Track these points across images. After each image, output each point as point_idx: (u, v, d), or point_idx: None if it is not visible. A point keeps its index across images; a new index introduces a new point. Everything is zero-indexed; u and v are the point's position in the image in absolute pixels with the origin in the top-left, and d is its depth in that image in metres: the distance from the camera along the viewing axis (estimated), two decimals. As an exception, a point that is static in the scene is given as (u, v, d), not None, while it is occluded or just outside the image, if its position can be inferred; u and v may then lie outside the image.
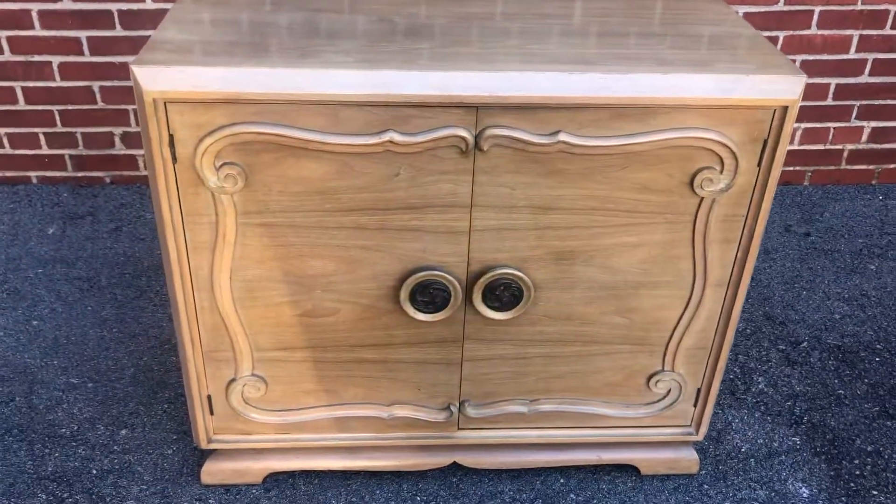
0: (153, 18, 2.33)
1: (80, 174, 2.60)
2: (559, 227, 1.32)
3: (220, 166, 1.23)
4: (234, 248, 1.31)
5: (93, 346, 1.94)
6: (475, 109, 1.20)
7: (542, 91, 1.19)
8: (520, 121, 1.22)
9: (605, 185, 1.28)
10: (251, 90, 1.16)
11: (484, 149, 1.23)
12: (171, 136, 1.20)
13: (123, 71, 2.41)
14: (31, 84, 2.43)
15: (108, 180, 2.62)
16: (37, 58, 2.38)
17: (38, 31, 2.34)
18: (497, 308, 1.38)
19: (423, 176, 1.26)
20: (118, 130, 2.53)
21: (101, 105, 2.47)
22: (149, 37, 2.33)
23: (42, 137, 2.52)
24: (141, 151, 2.56)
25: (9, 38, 2.35)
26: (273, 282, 1.35)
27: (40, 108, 2.47)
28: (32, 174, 2.59)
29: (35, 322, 2.01)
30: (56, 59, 2.39)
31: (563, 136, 1.22)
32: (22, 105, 2.46)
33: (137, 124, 2.50)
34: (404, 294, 1.36)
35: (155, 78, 1.15)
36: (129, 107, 2.49)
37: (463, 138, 1.22)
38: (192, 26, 1.31)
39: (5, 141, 2.52)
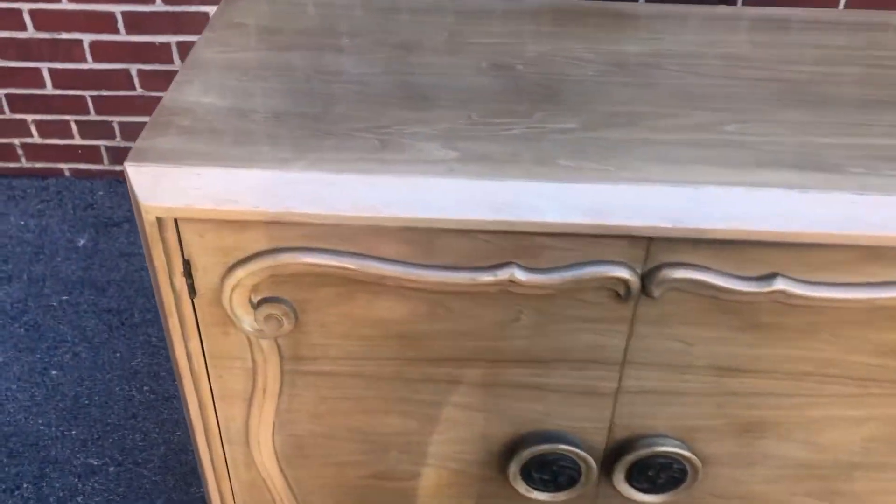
0: (199, -9, 1.91)
1: (117, 167, 2.24)
2: (750, 393, 0.90)
3: (259, 303, 0.83)
4: (277, 400, 0.93)
5: (118, 411, 1.61)
6: (646, 241, 0.78)
7: (753, 222, 0.75)
8: (716, 259, 0.78)
9: (832, 345, 0.85)
10: (302, 209, 0.76)
11: (654, 295, 0.80)
12: (186, 263, 0.81)
13: (165, 53, 2.01)
14: (59, 66, 2.05)
15: (150, 174, 2.26)
16: (65, 35, 2.00)
17: (66, 5, 1.95)
18: (647, 490, 0.98)
19: (555, 323, 0.84)
20: (161, 120, 2.15)
21: (139, 91, 2.09)
22: (193, 14, 1.92)
23: (74, 126, 2.16)
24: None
25: (32, 13, 1.97)
26: (332, 439, 0.97)
27: (71, 93, 2.10)
28: (64, 166, 2.24)
29: (54, 372, 1.69)
30: (87, 38, 2.00)
31: (780, 284, 0.79)
32: (50, 89, 2.09)
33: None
34: (515, 468, 0.96)
35: (158, 187, 0.76)
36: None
37: (623, 280, 0.79)
38: (225, 76, 0.90)
39: (33, 129, 2.17)
